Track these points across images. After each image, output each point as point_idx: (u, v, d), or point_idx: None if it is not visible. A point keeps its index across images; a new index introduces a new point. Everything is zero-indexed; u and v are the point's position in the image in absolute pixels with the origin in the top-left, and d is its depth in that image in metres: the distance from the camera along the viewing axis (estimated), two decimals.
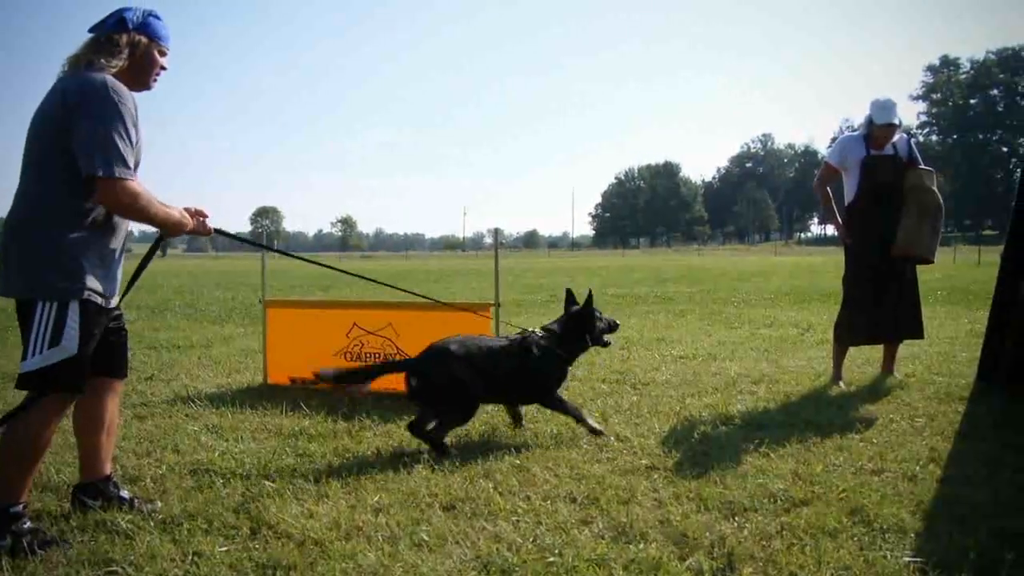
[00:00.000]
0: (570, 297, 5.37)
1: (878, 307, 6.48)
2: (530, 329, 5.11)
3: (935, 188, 6.37)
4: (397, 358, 6.15)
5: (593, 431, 4.88)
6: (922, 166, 6.51)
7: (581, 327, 5.14)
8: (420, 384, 4.68)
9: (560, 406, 4.95)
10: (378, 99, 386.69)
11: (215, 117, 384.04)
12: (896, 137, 6.53)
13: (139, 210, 3.21)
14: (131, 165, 3.16)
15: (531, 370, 4.86)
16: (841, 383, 6.51)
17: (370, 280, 5.41)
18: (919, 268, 6.61)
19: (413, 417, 4.72)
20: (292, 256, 5.14)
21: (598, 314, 5.27)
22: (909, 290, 6.56)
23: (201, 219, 3.62)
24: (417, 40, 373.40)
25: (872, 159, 6.48)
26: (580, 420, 4.92)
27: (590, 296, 5.21)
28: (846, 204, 6.68)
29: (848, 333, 6.64)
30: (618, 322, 5.53)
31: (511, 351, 4.88)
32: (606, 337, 5.34)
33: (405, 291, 5.84)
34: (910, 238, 6.25)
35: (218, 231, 3.82)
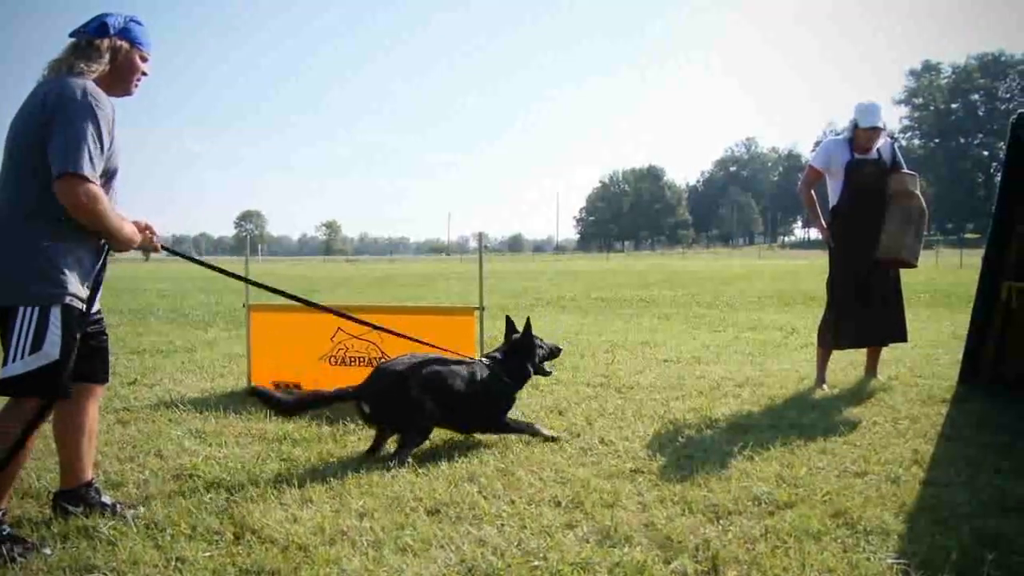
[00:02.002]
0: (510, 326, 5.32)
1: (863, 311, 6.51)
2: (477, 359, 5.11)
3: (919, 192, 6.39)
4: (381, 360, 6.14)
5: (548, 439, 4.90)
6: (906, 170, 6.53)
7: (523, 356, 5.12)
8: (373, 409, 4.62)
9: (510, 428, 4.93)
10: (362, 102, 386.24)
11: (201, 120, 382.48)
12: (880, 141, 6.56)
13: (96, 213, 3.15)
14: (97, 169, 3.14)
15: (480, 396, 4.82)
16: (825, 386, 6.53)
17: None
18: (902, 271, 6.65)
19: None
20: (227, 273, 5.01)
21: (538, 342, 5.24)
22: (893, 294, 6.59)
23: (149, 234, 3.59)
24: (402, 44, 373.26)
25: (857, 163, 6.52)
26: (534, 434, 4.92)
27: (528, 325, 5.19)
28: (831, 207, 6.71)
29: (833, 337, 6.66)
30: (561, 347, 5.54)
31: (460, 372, 4.82)
32: (546, 366, 5.32)
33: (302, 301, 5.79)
34: (894, 242, 6.26)
35: (165, 248, 3.78)
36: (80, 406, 3.53)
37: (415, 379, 4.62)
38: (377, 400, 4.61)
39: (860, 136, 6.49)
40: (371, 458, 4.57)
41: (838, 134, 7.17)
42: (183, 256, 4.55)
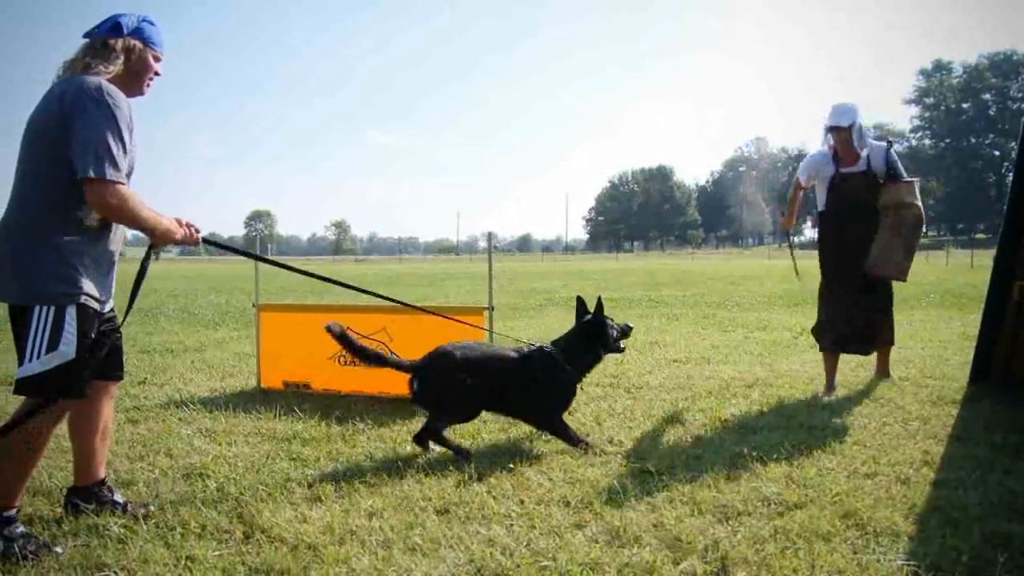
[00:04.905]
0: (581, 306, 5.18)
1: (846, 323, 6.31)
2: (537, 343, 5.01)
3: (916, 201, 6.00)
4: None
5: (587, 448, 4.71)
6: (905, 179, 6.13)
7: (594, 338, 5.01)
8: (422, 387, 4.65)
9: (560, 431, 4.75)
10: (371, 102, 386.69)
11: (209, 120, 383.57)
12: (872, 147, 6.22)
13: (128, 212, 3.18)
14: (122, 169, 3.16)
15: (535, 388, 4.74)
16: (834, 393, 6.28)
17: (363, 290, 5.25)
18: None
19: (419, 425, 4.77)
20: (282, 266, 5.04)
21: (610, 321, 5.10)
22: (880, 301, 6.37)
23: (193, 231, 3.57)
24: (410, 42, 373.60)
25: (841, 177, 6.25)
26: (577, 445, 4.70)
27: (600, 303, 5.05)
28: (817, 210, 6.53)
29: (824, 340, 6.49)
30: (631, 325, 5.36)
31: (516, 363, 4.78)
32: (620, 343, 5.19)
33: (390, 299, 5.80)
34: (881, 258, 6.02)
35: (207, 240, 3.78)
36: (94, 404, 3.55)
37: (467, 362, 4.63)
38: (427, 378, 4.64)
39: (834, 141, 6.24)
40: (418, 446, 4.65)
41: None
42: (224, 247, 4.55)
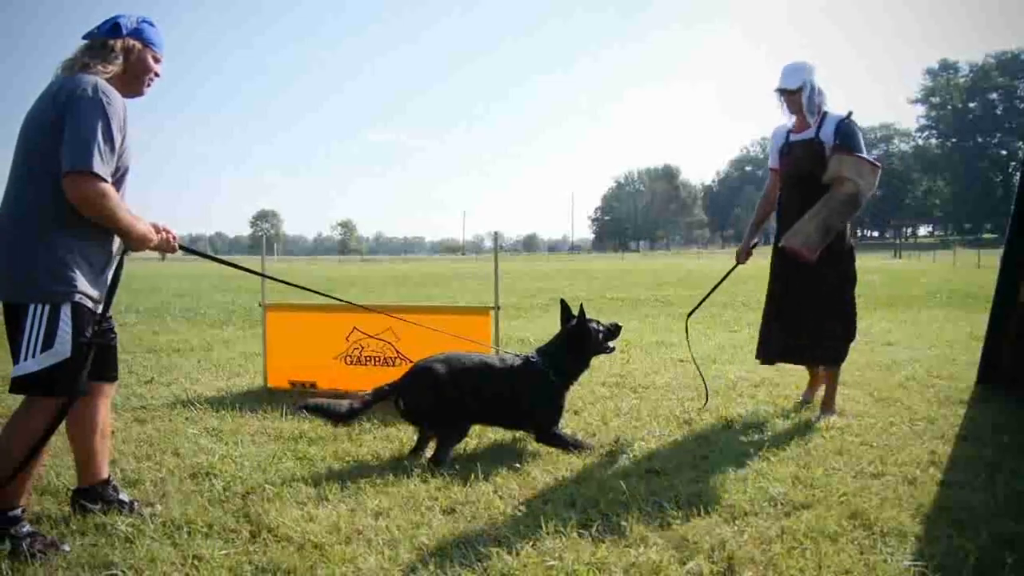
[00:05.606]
0: (565, 310, 5.08)
1: (780, 321, 5.65)
2: (522, 355, 4.95)
3: (858, 179, 5.09)
4: (398, 363, 6.17)
5: (591, 449, 4.70)
6: (859, 154, 5.17)
7: (578, 345, 4.92)
8: (406, 405, 4.59)
9: (555, 442, 4.68)
10: (375, 101, 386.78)
11: (215, 120, 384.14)
12: (828, 115, 5.38)
13: (106, 210, 3.14)
14: (108, 166, 3.14)
15: (523, 402, 4.70)
16: (810, 403, 5.82)
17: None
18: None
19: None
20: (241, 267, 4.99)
21: (595, 325, 4.98)
22: (826, 302, 5.45)
23: (166, 236, 3.51)
24: (415, 42, 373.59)
25: (787, 147, 5.54)
26: (578, 450, 4.65)
27: (582, 310, 4.96)
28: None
29: (757, 347, 5.89)
30: (619, 324, 5.22)
31: (501, 375, 4.71)
32: (609, 344, 5.07)
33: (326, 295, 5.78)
34: (797, 229, 5.19)
35: (184, 247, 3.75)
36: (91, 405, 3.53)
37: (448, 375, 4.55)
38: (411, 396, 4.58)
39: (786, 105, 5.48)
40: (413, 458, 4.55)
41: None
42: (202, 255, 4.54)
